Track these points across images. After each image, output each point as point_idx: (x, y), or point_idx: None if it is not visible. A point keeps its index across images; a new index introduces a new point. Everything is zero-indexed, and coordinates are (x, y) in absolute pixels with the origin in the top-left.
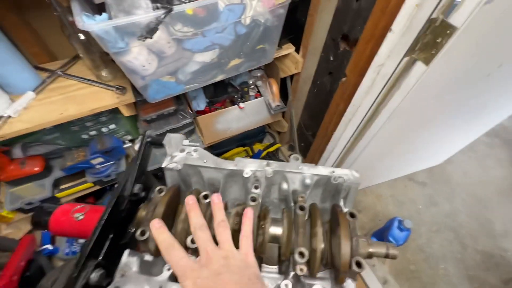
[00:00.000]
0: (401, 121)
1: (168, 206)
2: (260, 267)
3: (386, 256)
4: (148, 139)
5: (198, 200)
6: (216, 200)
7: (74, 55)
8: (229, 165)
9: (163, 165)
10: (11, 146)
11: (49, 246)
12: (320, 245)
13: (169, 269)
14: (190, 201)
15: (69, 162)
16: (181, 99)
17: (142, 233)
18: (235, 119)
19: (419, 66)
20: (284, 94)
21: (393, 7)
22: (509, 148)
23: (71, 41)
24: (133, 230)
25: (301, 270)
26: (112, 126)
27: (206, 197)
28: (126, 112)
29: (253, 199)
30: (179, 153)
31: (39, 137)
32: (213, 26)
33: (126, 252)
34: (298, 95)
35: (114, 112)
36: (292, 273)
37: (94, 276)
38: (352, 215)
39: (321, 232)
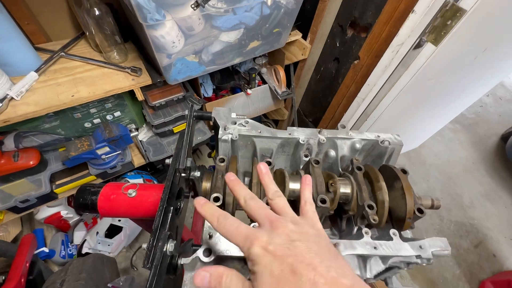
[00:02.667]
0: (400, 103)
1: (236, 172)
2: None
3: (432, 207)
4: (195, 114)
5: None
6: (264, 169)
7: (75, 36)
8: (283, 134)
9: (219, 136)
10: (4, 136)
11: (45, 249)
12: (387, 197)
13: None
14: (231, 177)
15: (72, 153)
16: (188, 86)
17: (217, 199)
18: (241, 105)
19: (429, 47)
20: (286, 82)
21: None
22: (468, 132)
23: (83, 18)
24: (182, 206)
25: (374, 220)
26: (117, 114)
27: (269, 163)
28: (140, 96)
29: (317, 162)
30: (232, 125)
31: (37, 125)
32: (244, 3)
33: None
34: (300, 82)
35: (120, 98)
36: (355, 228)
37: (169, 247)
38: (404, 171)
39: (385, 186)
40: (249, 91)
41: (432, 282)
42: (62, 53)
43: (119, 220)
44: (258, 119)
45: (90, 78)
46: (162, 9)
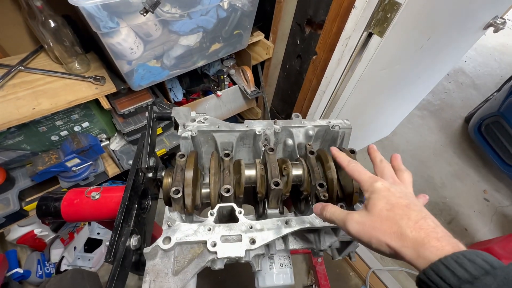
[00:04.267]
0: (362, 93)
1: (195, 166)
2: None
3: None
4: (155, 114)
5: (222, 159)
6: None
7: (34, 49)
8: (241, 127)
9: (178, 134)
10: None
11: (19, 270)
12: (335, 175)
13: (212, 215)
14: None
15: (40, 167)
16: (157, 92)
17: (176, 192)
18: (212, 108)
19: (375, 38)
20: (255, 82)
21: None
22: (435, 117)
23: (39, 31)
24: (149, 205)
25: (324, 196)
26: (85, 124)
27: (227, 155)
28: (106, 105)
29: (271, 150)
30: (191, 123)
31: None
32: (198, 8)
33: (167, 208)
34: (269, 81)
35: (87, 109)
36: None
37: (133, 241)
38: (352, 151)
39: (333, 165)
40: (219, 92)
41: None
42: (21, 67)
43: (98, 233)
44: (233, 119)
45: (52, 90)
46: (115, 17)
